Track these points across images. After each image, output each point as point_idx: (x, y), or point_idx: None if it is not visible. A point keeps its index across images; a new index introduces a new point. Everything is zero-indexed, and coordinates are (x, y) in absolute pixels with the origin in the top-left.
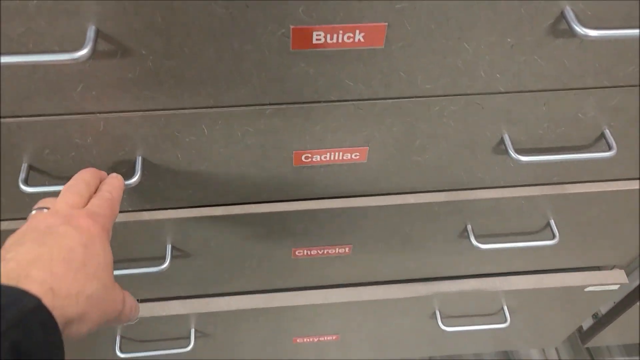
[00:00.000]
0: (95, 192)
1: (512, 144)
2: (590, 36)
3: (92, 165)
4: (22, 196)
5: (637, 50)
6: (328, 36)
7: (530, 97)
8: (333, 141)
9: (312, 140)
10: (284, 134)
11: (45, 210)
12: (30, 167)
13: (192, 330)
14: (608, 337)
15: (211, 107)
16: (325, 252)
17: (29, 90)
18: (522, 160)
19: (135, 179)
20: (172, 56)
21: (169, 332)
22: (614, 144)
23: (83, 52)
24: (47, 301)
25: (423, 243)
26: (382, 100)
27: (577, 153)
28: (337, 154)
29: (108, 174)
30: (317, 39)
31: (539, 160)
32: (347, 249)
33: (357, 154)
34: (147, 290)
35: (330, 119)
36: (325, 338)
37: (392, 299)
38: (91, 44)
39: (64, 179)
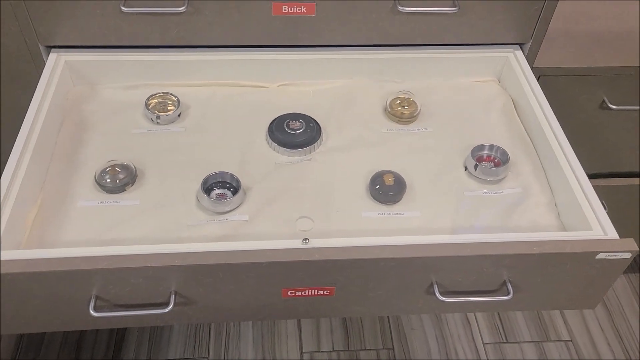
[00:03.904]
0: None
1: (438, 287)
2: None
3: (140, 296)
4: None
5: None
6: None
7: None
8: (310, 283)
9: (295, 282)
10: (276, 277)
11: None
12: (97, 297)
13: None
14: None
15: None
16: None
17: None
18: (446, 301)
19: (169, 308)
20: None
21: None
22: (511, 290)
23: None
24: None
25: None
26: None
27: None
28: (313, 290)
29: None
30: None
31: (459, 301)
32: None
33: (327, 291)
34: None
35: (309, 268)
36: None
37: None
38: None
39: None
